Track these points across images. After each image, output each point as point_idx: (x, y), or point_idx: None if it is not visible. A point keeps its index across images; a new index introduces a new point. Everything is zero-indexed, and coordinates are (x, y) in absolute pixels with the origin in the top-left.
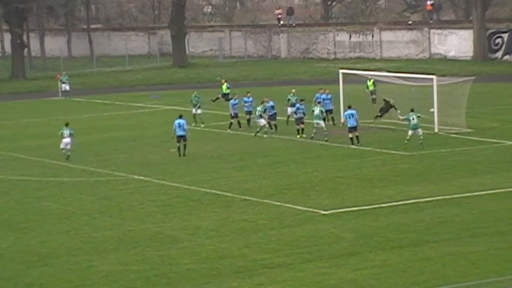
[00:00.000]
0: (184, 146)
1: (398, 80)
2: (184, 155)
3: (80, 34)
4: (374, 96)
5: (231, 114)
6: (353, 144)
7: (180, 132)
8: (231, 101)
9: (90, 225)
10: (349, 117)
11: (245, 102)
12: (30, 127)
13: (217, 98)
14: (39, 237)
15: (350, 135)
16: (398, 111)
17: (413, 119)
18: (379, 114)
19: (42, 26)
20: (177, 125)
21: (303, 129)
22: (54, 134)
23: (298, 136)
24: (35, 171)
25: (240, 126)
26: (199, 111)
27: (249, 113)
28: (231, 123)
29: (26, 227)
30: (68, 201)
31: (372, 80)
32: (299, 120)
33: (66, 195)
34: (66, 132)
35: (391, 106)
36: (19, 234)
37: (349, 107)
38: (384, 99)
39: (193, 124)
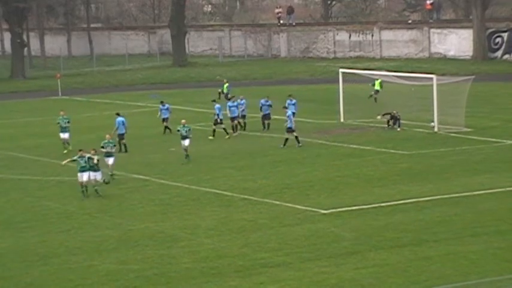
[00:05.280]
0: (125, 144)
1: (398, 79)
2: (126, 151)
3: (80, 33)
4: (376, 96)
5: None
6: (284, 145)
7: (122, 131)
8: (229, 103)
9: (90, 225)
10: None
11: (236, 106)
12: (30, 126)
13: (220, 94)
14: (40, 237)
15: (289, 136)
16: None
17: None
18: (387, 118)
19: (42, 25)
20: (120, 122)
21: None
22: (54, 133)
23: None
24: (35, 170)
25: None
26: (66, 135)
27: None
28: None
29: (26, 226)
30: (68, 200)
31: (379, 80)
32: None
33: (66, 194)
34: None
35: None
36: (19, 233)
37: (285, 107)
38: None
39: (65, 151)
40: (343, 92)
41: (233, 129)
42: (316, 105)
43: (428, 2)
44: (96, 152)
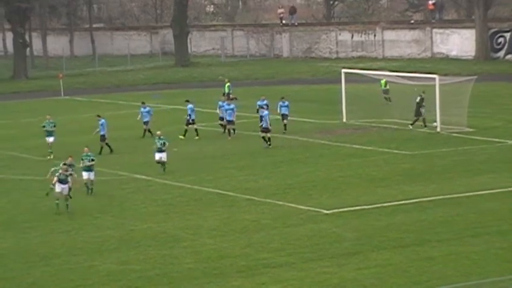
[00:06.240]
0: (107, 144)
1: (400, 80)
2: (100, 153)
3: (82, 33)
4: (387, 95)
5: (220, 117)
6: (267, 143)
7: (103, 132)
8: (225, 106)
9: (92, 225)
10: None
11: (232, 108)
12: (32, 126)
13: (225, 95)
14: (41, 237)
15: (264, 135)
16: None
17: None
18: (416, 118)
19: (45, 26)
20: (104, 123)
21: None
22: (56, 134)
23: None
24: (36, 170)
25: (225, 132)
26: (51, 139)
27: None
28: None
29: (28, 226)
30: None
31: (384, 80)
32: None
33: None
34: None
35: (420, 105)
36: (21, 234)
37: (262, 107)
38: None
39: (48, 157)
40: (346, 92)
41: (229, 133)
42: (318, 106)
43: (430, 2)
44: (69, 167)
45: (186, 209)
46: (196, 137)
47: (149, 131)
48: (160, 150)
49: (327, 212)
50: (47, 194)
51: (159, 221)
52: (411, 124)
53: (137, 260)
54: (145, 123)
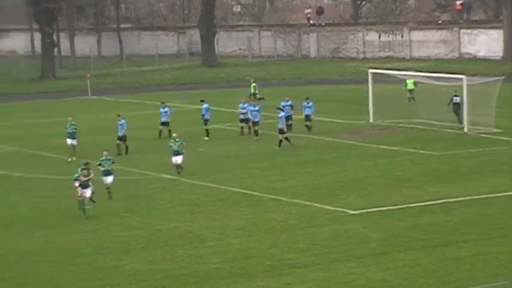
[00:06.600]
0: (126, 146)
1: (427, 80)
2: (126, 153)
3: (110, 33)
4: (411, 95)
5: (241, 119)
6: (279, 146)
7: (121, 132)
8: (250, 107)
9: (119, 224)
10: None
11: (258, 110)
12: (60, 126)
13: (251, 95)
14: (68, 236)
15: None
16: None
17: None
18: (459, 121)
19: (72, 26)
20: (124, 124)
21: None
22: (83, 134)
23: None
24: (63, 170)
25: (243, 134)
26: (74, 141)
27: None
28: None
29: (55, 225)
30: (96, 199)
31: (412, 80)
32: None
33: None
34: None
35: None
36: (48, 232)
37: (280, 109)
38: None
39: (69, 159)
40: (373, 93)
41: (255, 134)
42: (345, 106)
43: (458, 3)
44: (88, 171)
45: (212, 209)
46: (206, 138)
47: (161, 132)
48: (177, 153)
49: (354, 212)
50: (79, 208)
51: (185, 220)
52: (460, 126)
53: (164, 259)
54: (163, 123)
